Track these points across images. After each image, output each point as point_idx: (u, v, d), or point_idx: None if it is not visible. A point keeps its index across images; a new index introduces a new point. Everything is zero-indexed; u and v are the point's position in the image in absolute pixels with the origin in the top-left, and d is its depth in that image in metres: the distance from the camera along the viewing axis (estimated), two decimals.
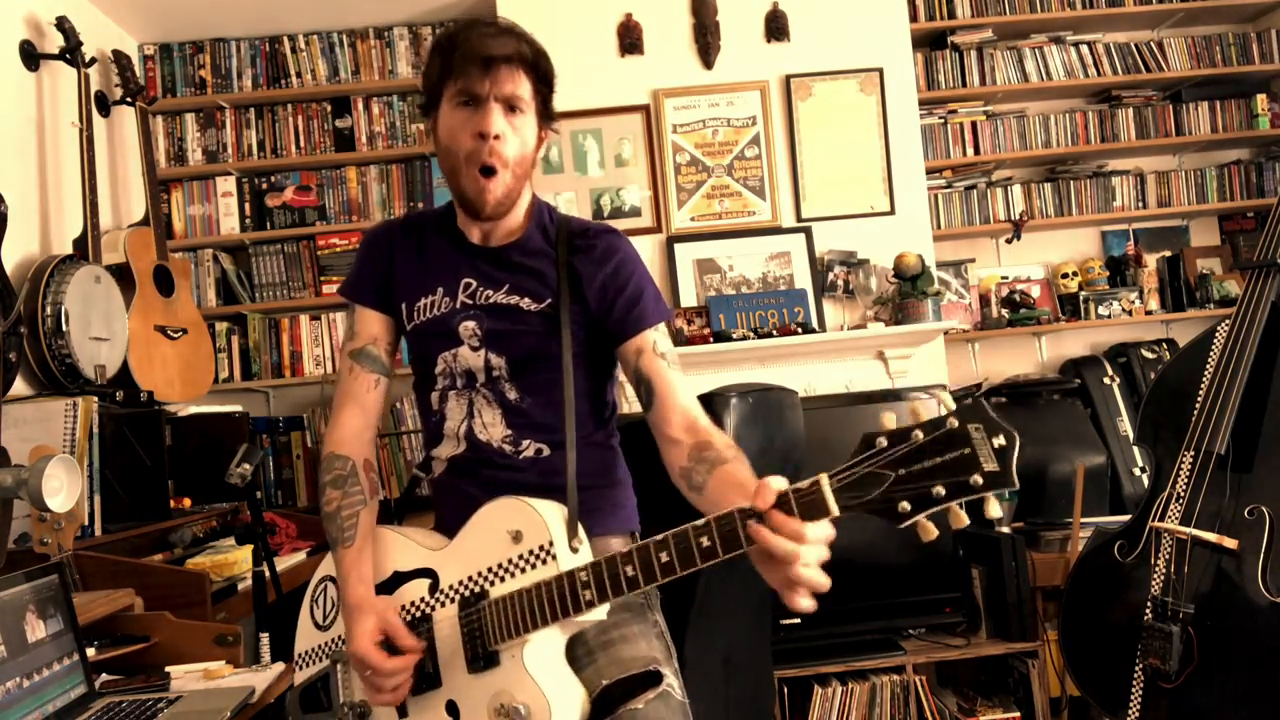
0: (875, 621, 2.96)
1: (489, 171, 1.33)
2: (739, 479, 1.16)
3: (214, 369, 3.39)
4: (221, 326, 3.67)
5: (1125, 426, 3.49)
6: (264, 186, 3.76)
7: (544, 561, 1.21)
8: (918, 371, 3.50)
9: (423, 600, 1.33)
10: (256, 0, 3.55)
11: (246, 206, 3.76)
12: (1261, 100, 3.90)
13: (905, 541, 2.94)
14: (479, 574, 1.28)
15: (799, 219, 3.60)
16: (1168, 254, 3.93)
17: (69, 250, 2.89)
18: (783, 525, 1.00)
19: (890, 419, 0.96)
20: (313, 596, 1.49)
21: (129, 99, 3.31)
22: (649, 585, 1.10)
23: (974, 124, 3.86)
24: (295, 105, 3.77)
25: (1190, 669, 2.12)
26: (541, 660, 1.22)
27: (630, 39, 3.58)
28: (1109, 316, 3.81)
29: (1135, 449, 3.40)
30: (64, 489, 1.71)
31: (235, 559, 2.45)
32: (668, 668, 1.29)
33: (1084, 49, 3.87)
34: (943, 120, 3.85)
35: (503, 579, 1.25)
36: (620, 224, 3.53)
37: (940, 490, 0.92)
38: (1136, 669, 2.23)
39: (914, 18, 3.74)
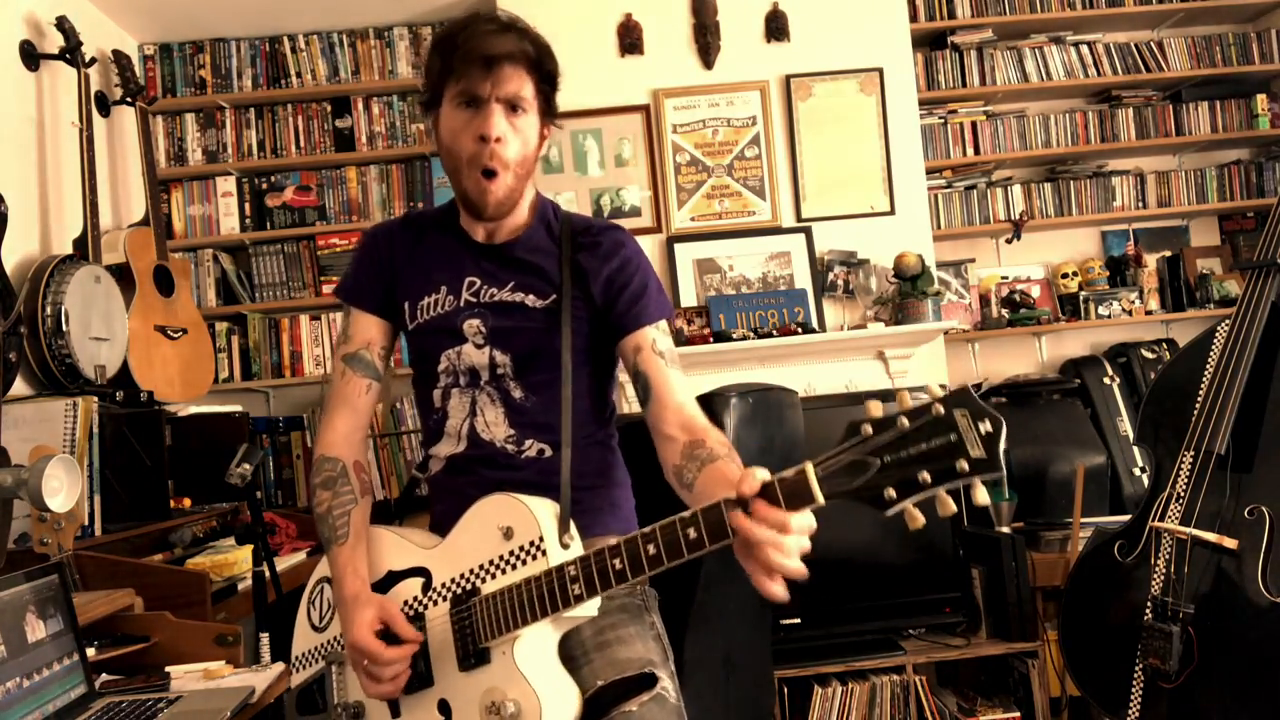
0: (875, 621, 2.96)
1: (490, 174, 1.32)
2: (728, 475, 1.15)
3: (214, 369, 3.39)
4: (221, 326, 3.67)
5: (1125, 426, 3.49)
6: (264, 186, 3.76)
7: (534, 557, 1.21)
8: (918, 371, 3.50)
9: (416, 599, 1.33)
10: (256, 0, 3.55)
11: (246, 206, 3.76)
12: (1261, 100, 3.90)
13: (905, 541, 2.95)
14: (471, 571, 1.27)
15: (799, 219, 3.60)
16: (1168, 254, 3.93)
17: (69, 250, 2.89)
18: (767, 515, 1.00)
19: (876, 407, 0.96)
20: (309, 599, 1.49)
21: (129, 99, 3.31)
22: (637, 578, 1.10)
23: (974, 124, 3.86)
24: (295, 105, 3.77)
25: (1190, 669, 2.12)
26: (532, 657, 1.22)
27: (630, 39, 3.58)
28: (1109, 316, 3.81)
29: (1135, 449, 3.40)
30: (64, 489, 1.71)
31: (235, 559, 2.45)
32: (663, 670, 1.28)
33: (1084, 49, 3.87)
34: (943, 120, 3.85)
35: (494, 576, 1.25)
36: (620, 224, 3.53)
37: (926, 477, 0.92)
38: (1136, 669, 2.23)
39: (914, 18, 3.74)
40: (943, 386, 1.01)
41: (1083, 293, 3.85)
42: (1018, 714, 2.86)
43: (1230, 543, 2.11)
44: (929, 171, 3.76)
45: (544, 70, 1.34)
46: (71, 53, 2.94)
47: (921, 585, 2.96)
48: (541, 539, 1.21)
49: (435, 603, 1.30)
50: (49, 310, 2.62)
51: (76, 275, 2.69)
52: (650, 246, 3.55)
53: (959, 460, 0.90)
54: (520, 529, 1.23)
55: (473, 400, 1.39)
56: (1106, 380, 3.61)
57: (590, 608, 1.21)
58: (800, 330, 3.40)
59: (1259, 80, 3.96)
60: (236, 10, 3.60)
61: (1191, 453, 2.23)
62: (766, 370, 3.44)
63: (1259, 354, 2.20)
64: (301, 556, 2.86)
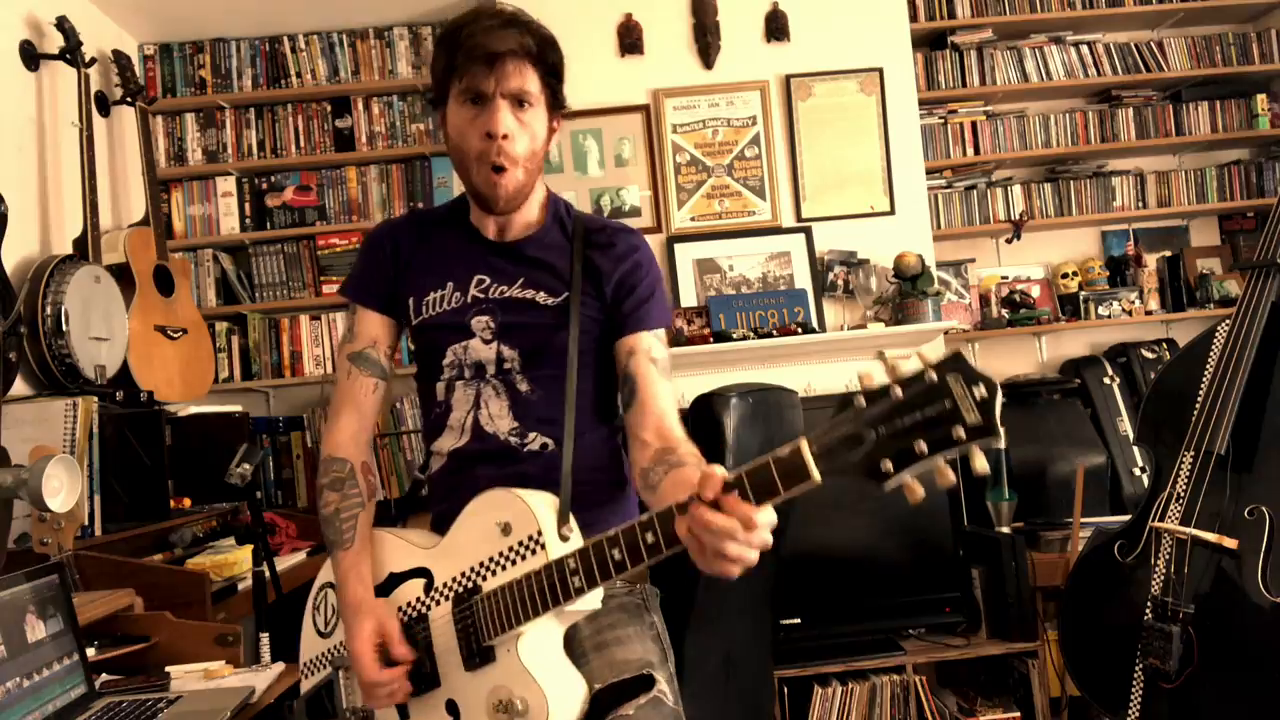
0: (875, 621, 2.97)
1: (500, 170, 1.32)
2: (691, 479, 1.13)
3: (214, 369, 3.39)
4: (221, 326, 3.67)
5: (1125, 426, 3.49)
6: (264, 186, 3.76)
7: (533, 552, 1.20)
8: None
9: (418, 600, 1.32)
10: (256, 0, 3.55)
11: (246, 206, 3.76)
12: (1261, 100, 3.90)
13: (905, 541, 2.95)
14: (471, 569, 1.27)
15: (799, 219, 3.60)
16: (1168, 254, 3.93)
17: (69, 250, 2.89)
18: (734, 509, 0.97)
19: (869, 377, 0.93)
20: (314, 604, 1.48)
21: (129, 99, 3.31)
22: (636, 567, 1.09)
23: (974, 124, 3.86)
24: (295, 105, 3.77)
25: (1190, 669, 2.12)
26: (538, 653, 1.21)
27: (630, 39, 3.57)
28: (1109, 316, 3.81)
29: (1135, 449, 3.40)
30: (64, 489, 1.71)
31: (235, 559, 2.45)
32: (661, 672, 1.28)
33: (1084, 49, 3.87)
34: (943, 120, 3.85)
35: (494, 572, 1.24)
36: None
37: (923, 446, 0.88)
38: (1136, 669, 2.23)
39: (914, 18, 3.74)
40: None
41: (1083, 293, 3.85)
42: (1018, 714, 2.86)
43: (1230, 543, 2.11)
44: (929, 171, 3.76)
45: (548, 63, 1.33)
46: (71, 53, 2.94)
47: (921, 585, 2.96)
48: (540, 533, 1.20)
49: (438, 602, 1.30)
50: (49, 310, 2.61)
51: (76, 275, 2.69)
52: (650, 246, 3.54)
53: (955, 427, 0.87)
54: (518, 524, 1.22)
55: (477, 392, 1.39)
56: (1106, 380, 3.61)
57: (593, 600, 1.20)
58: (800, 330, 3.40)
59: (1259, 80, 3.96)
60: (236, 10, 3.60)
61: (1191, 453, 2.23)
62: (766, 370, 3.44)
63: (1259, 354, 2.20)
64: (301, 556, 2.86)
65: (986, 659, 2.96)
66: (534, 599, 1.17)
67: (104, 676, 1.81)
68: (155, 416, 2.69)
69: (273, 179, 3.76)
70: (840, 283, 3.56)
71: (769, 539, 1.00)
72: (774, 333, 3.40)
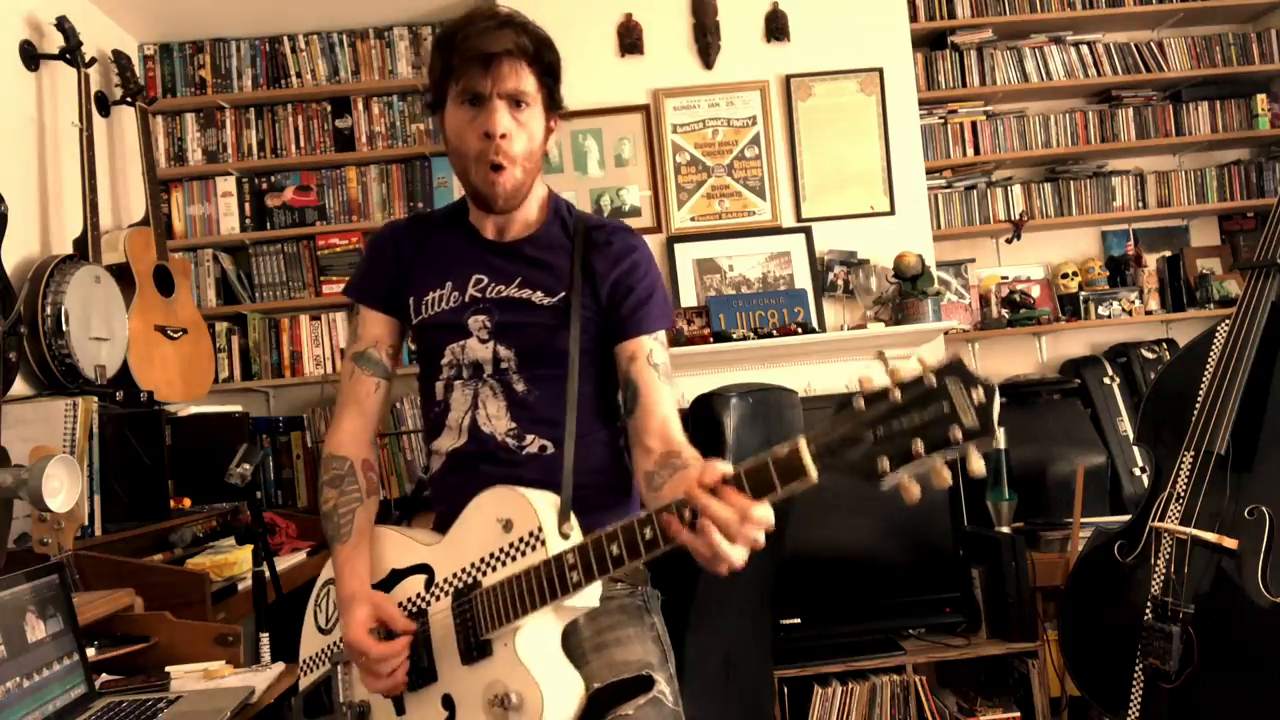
0: (875, 621, 2.97)
1: (498, 168, 1.33)
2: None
3: (214, 369, 3.39)
4: (221, 326, 3.67)
5: (1125, 426, 3.49)
6: (264, 186, 3.76)
7: (533, 548, 1.21)
8: None
9: (419, 596, 1.33)
10: (256, 0, 3.55)
11: (246, 206, 3.76)
12: (1261, 100, 3.90)
13: (905, 541, 2.95)
14: (472, 565, 1.27)
15: (799, 219, 3.60)
16: (1168, 254, 3.93)
17: (69, 250, 2.89)
18: (732, 500, 0.99)
19: (869, 380, 0.95)
20: (316, 601, 1.49)
21: (129, 99, 3.31)
22: (634, 562, 1.10)
23: (974, 124, 3.86)
24: (295, 105, 3.77)
25: (1190, 669, 2.12)
26: (535, 648, 1.21)
27: (630, 39, 3.57)
28: (1109, 316, 3.81)
29: (1135, 449, 3.40)
30: (64, 489, 1.71)
31: (235, 559, 2.45)
32: (661, 673, 1.28)
33: (1084, 49, 3.87)
34: (943, 120, 3.85)
35: (495, 568, 1.25)
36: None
37: (920, 447, 0.90)
38: (1136, 669, 2.23)
39: (914, 18, 3.74)
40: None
41: (1083, 293, 3.85)
42: (1018, 714, 2.86)
43: (1230, 543, 2.11)
44: (929, 171, 3.76)
45: (544, 63, 1.34)
46: (71, 53, 2.94)
47: (921, 585, 2.96)
48: (540, 529, 1.21)
49: (438, 598, 1.30)
50: (49, 310, 2.61)
51: (76, 275, 2.69)
52: (650, 246, 3.52)
53: (952, 429, 0.88)
54: (519, 520, 1.23)
55: (475, 393, 1.39)
56: (1106, 380, 3.61)
57: (591, 597, 1.21)
58: (800, 330, 3.40)
59: (1259, 80, 3.96)
60: (236, 10, 3.60)
61: (1191, 453, 2.23)
62: (766, 370, 3.44)
63: (1259, 354, 2.20)
64: (301, 556, 2.86)
65: (986, 659, 2.96)
66: (532, 593, 1.18)
67: (104, 676, 1.81)
68: (155, 416, 2.69)
69: (273, 179, 3.76)
70: (840, 283, 3.56)
71: (762, 539, 1.01)
72: (774, 333, 3.40)
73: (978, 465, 0.89)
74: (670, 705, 1.25)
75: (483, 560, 1.26)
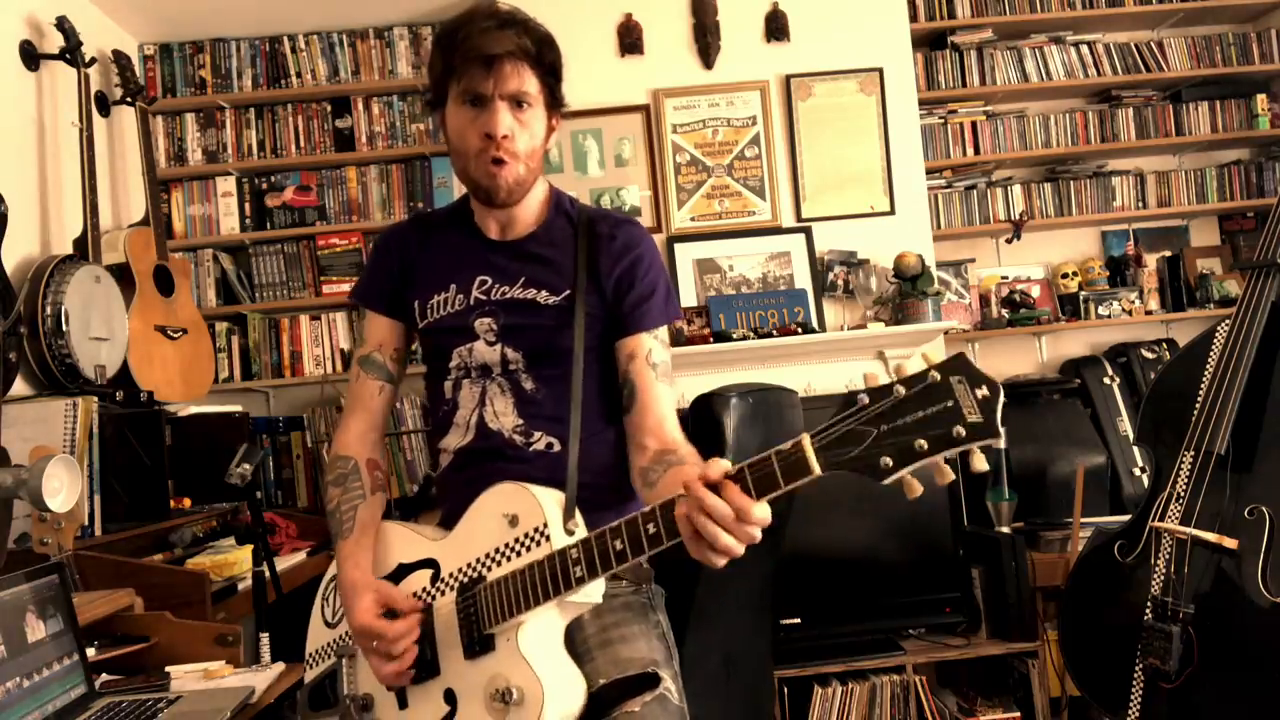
0: (875, 621, 2.97)
1: (500, 162, 1.33)
2: (692, 475, 1.15)
3: (214, 369, 3.39)
4: (221, 326, 3.67)
5: (1125, 426, 3.49)
6: (264, 186, 3.76)
7: (538, 543, 1.21)
8: None
9: (424, 590, 1.33)
10: (256, 0, 3.55)
11: (246, 206, 3.75)
12: (1261, 100, 3.90)
13: (905, 542, 2.95)
14: (477, 560, 1.28)
15: (799, 219, 3.60)
16: (1168, 254, 3.93)
17: (69, 250, 2.89)
18: (732, 498, 1.00)
19: (874, 376, 0.95)
20: (323, 596, 1.50)
21: (129, 99, 3.31)
22: (637, 558, 1.10)
23: (974, 124, 3.86)
24: (295, 105, 3.77)
25: (1190, 669, 2.12)
26: (537, 644, 1.21)
27: (630, 39, 3.57)
28: (1109, 316, 3.81)
29: (1135, 449, 3.40)
30: (64, 489, 1.71)
31: (235, 559, 2.45)
32: (667, 670, 1.28)
33: (1084, 49, 3.87)
34: (943, 120, 3.85)
35: (499, 563, 1.25)
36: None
37: (923, 444, 0.90)
38: (1136, 669, 2.23)
39: (914, 18, 3.74)
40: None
41: (1083, 293, 3.85)
42: (1018, 714, 2.86)
43: (1230, 543, 2.11)
44: (929, 171, 3.76)
45: (546, 63, 1.34)
46: (71, 53, 2.94)
47: (921, 585, 2.96)
48: (545, 525, 1.21)
49: (443, 592, 1.31)
50: (49, 310, 2.61)
51: (76, 275, 2.69)
52: (654, 240, 3.54)
53: (956, 426, 0.89)
54: (525, 516, 1.23)
55: (483, 390, 1.40)
56: (1106, 380, 3.61)
57: (594, 593, 1.21)
58: (800, 330, 3.40)
59: (1259, 80, 3.96)
60: (236, 10, 3.60)
61: (1191, 453, 2.23)
62: (766, 370, 3.44)
63: (1259, 354, 2.20)
64: (301, 556, 2.86)
65: (986, 659, 2.96)
66: (535, 588, 1.18)
67: (104, 676, 1.81)
68: (155, 416, 2.69)
69: (273, 179, 3.76)
70: (840, 283, 3.56)
71: (758, 535, 1.01)
72: (774, 333, 3.40)
73: (980, 463, 0.90)
74: (675, 702, 1.25)
75: (488, 555, 1.26)
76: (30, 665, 1.55)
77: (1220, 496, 2.16)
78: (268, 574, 2.26)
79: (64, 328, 2.62)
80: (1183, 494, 2.22)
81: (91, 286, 2.76)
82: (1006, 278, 3.92)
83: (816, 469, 0.95)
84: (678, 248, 3.55)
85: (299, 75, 3.76)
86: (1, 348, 2.41)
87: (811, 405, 2.48)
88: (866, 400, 0.93)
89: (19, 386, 2.59)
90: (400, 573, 1.37)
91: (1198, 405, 2.24)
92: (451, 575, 1.30)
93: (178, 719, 1.57)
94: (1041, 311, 3.80)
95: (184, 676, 1.81)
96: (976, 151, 3.85)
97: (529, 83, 1.32)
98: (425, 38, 3.79)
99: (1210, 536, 2.13)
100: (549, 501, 1.23)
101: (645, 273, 1.40)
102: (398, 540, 1.40)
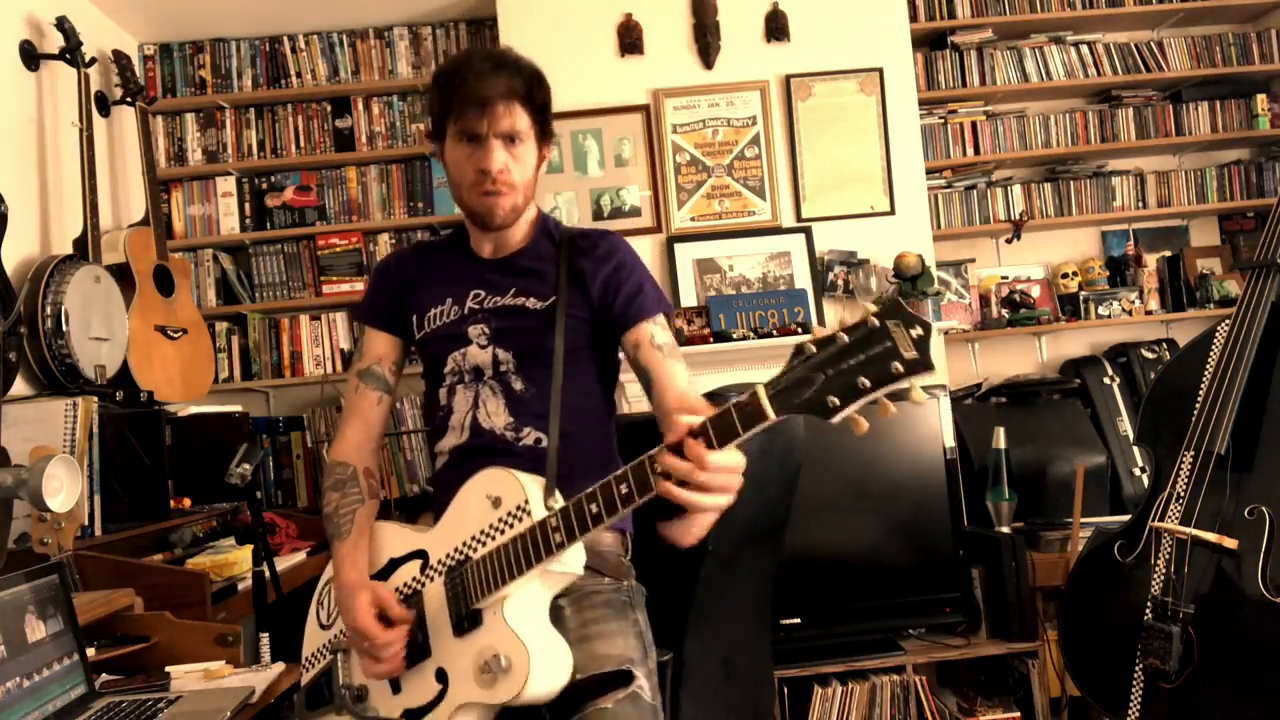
0: (875, 621, 2.96)
1: (495, 194, 1.43)
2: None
3: (214, 369, 3.39)
4: (221, 326, 3.67)
5: (1125, 426, 3.49)
6: (264, 186, 3.76)
7: (520, 519, 1.27)
8: None
9: (414, 579, 1.39)
10: (256, 0, 3.55)
11: (246, 206, 3.76)
12: (1261, 100, 3.90)
13: (905, 541, 2.95)
14: (464, 543, 1.34)
15: (799, 219, 3.60)
16: (1168, 254, 3.93)
17: (69, 250, 2.89)
18: (690, 450, 1.08)
19: (820, 329, 1.03)
20: (318, 599, 1.55)
21: (129, 99, 3.31)
22: (612, 518, 1.17)
23: (974, 124, 3.86)
24: (295, 105, 3.77)
25: (1190, 669, 2.12)
26: (523, 615, 1.27)
27: (630, 39, 3.57)
28: (1109, 316, 3.81)
29: (1135, 449, 3.40)
30: (64, 489, 1.72)
31: (235, 559, 2.45)
32: (641, 669, 1.33)
33: (1084, 49, 3.87)
34: (943, 120, 3.85)
35: (484, 543, 1.31)
36: (620, 224, 3.54)
37: (865, 382, 0.97)
38: (1136, 669, 2.23)
39: (914, 18, 3.74)
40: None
41: (1083, 293, 3.85)
42: (1018, 714, 2.86)
43: (1230, 543, 2.11)
44: (929, 171, 3.76)
45: (536, 101, 1.44)
46: (71, 53, 2.94)
47: (921, 585, 2.95)
48: (527, 501, 1.27)
49: (431, 579, 1.37)
50: (49, 310, 2.61)
51: (76, 275, 2.69)
52: (650, 246, 3.55)
53: (894, 363, 0.96)
54: (507, 496, 1.30)
55: (476, 393, 1.48)
56: (1106, 380, 3.61)
57: (575, 563, 1.28)
58: (800, 330, 3.40)
59: (1259, 80, 3.96)
60: (236, 10, 3.60)
61: (1191, 453, 2.23)
62: (766, 370, 3.39)
63: (1259, 354, 2.20)
64: (301, 556, 2.86)
65: (986, 659, 2.96)
66: (518, 558, 1.24)
67: (104, 676, 1.81)
68: (155, 416, 2.68)
69: (273, 179, 3.76)
70: (840, 283, 3.56)
71: (732, 480, 1.10)
72: (774, 333, 3.40)
73: (919, 395, 0.98)
74: (648, 700, 1.31)
75: (474, 537, 1.33)
76: (30, 665, 1.55)
77: (1220, 496, 2.16)
78: (268, 574, 2.26)
79: (64, 328, 2.62)
80: (1183, 494, 2.22)
81: (91, 286, 2.76)
82: (1006, 278, 3.92)
83: (771, 414, 1.03)
84: (678, 248, 3.55)
85: (299, 75, 3.76)
86: (1, 348, 2.41)
87: None
88: (814, 349, 1.01)
89: (19, 386, 2.59)
90: (391, 567, 1.44)
91: (1198, 405, 2.24)
92: (440, 561, 1.37)
93: (178, 719, 1.57)
94: (1041, 311, 3.80)
95: (184, 676, 1.81)
96: (976, 151, 3.85)
97: (520, 120, 1.42)
98: (425, 38, 3.79)
99: (1210, 536, 2.13)
100: (529, 481, 1.30)
101: (629, 273, 1.49)
102: (389, 537, 1.47)
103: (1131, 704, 2.24)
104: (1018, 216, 3.84)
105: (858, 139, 3.61)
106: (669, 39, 3.60)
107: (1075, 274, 3.89)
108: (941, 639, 2.96)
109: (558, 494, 1.29)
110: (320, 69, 3.76)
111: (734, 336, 3.38)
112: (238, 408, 3.29)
